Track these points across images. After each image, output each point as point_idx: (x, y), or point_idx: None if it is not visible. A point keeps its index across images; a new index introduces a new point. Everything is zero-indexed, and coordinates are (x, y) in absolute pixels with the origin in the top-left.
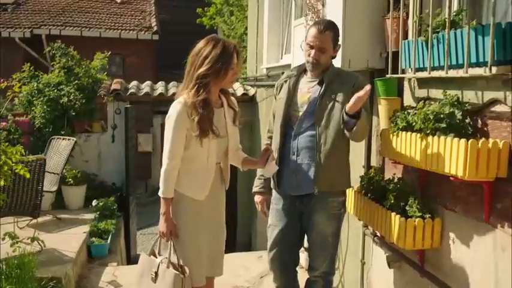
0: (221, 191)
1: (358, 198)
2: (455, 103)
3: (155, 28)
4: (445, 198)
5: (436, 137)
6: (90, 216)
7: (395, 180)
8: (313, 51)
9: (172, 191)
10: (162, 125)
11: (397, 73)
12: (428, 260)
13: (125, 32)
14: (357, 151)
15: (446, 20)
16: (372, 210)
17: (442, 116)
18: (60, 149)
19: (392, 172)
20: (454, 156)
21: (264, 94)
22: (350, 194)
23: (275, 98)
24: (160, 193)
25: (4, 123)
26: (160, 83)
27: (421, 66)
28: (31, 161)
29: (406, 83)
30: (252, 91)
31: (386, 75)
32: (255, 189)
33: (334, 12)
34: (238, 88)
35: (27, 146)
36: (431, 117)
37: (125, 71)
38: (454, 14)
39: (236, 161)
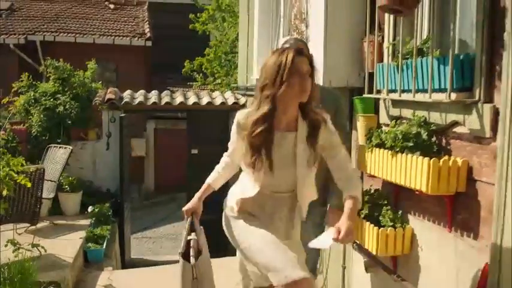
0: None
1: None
2: (422, 124)
3: (148, 34)
4: (415, 209)
5: (404, 155)
6: (86, 222)
7: (372, 191)
8: None
9: (211, 178)
10: (156, 130)
11: (373, 93)
12: (400, 264)
13: (119, 39)
14: None
15: (414, 48)
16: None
17: (410, 135)
18: (56, 157)
19: (370, 183)
20: (418, 173)
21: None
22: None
23: None
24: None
25: (2, 132)
26: (153, 92)
27: (394, 88)
28: (32, 171)
29: (381, 102)
30: (242, 100)
31: (364, 95)
32: None
33: (316, 33)
34: (229, 97)
35: (24, 153)
36: (400, 136)
37: (118, 76)
38: (422, 42)
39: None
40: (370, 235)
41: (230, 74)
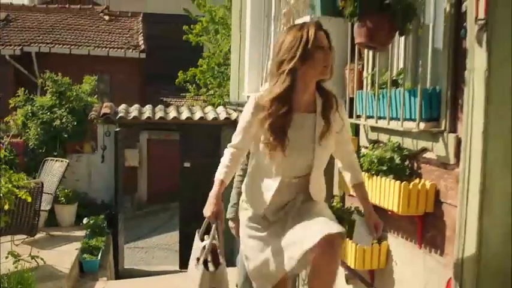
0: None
1: None
2: (396, 149)
3: (142, 47)
4: (390, 226)
5: (379, 177)
6: (81, 233)
7: (352, 209)
8: None
9: (221, 174)
10: (149, 140)
11: (353, 117)
12: (377, 277)
13: (113, 50)
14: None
15: (389, 79)
16: None
17: (384, 160)
18: (53, 170)
19: (350, 202)
20: (391, 195)
21: None
22: None
23: None
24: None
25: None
26: (147, 106)
27: (371, 114)
28: (32, 186)
29: (361, 127)
30: (234, 115)
31: None
32: (229, 215)
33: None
34: (221, 112)
35: (22, 166)
36: (376, 160)
37: (112, 87)
38: (397, 74)
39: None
40: (350, 250)
41: (223, 85)
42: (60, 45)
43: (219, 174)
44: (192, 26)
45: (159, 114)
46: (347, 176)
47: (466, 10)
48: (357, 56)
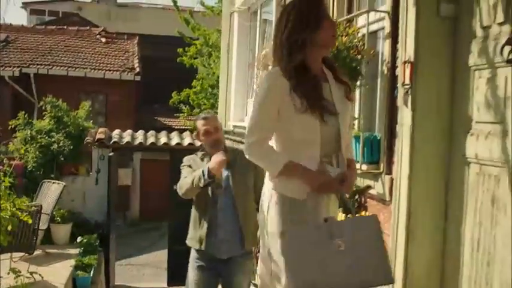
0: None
1: None
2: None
3: (138, 69)
4: None
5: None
6: (75, 251)
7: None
8: (213, 135)
9: (280, 163)
10: (142, 160)
11: None
12: None
13: (109, 73)
14: None
15: None
16: None
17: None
18: (50, 191)
19: None
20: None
21: (231, 145)
22: None
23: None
24: (272, 175)
25: (0, 167)
26: (140, 131)
27: None
28: (32, 209)
29: None
30: None
31: None
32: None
33: None
34: None
35: (21, 187)
36: None
37: (107, 107)
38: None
39: None
40: None
41: (215, 107)
42: (58, 67)
43: (285, 158)
44: (186, 48)
45: (150, 139)
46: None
47: (398, 74)
48: None
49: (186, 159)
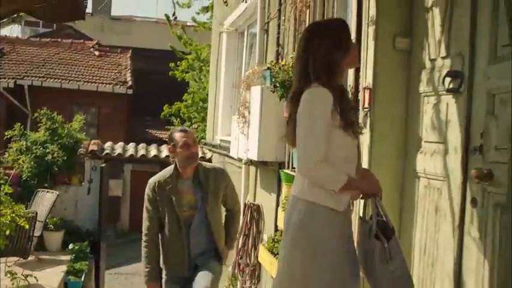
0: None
1: (266, 253)
2: None
3: (130, 83)
4: None
5: None
6: (66, 257)
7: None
8: (192, 148)
9: (343, 176)
10: (132, 172)
11: (290, 169)
12: None
13: (102, 86)
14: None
15: None
16: (272, 262)
17: None
18: (44, 200)
19: None
20: None
21: (218, 158)
22: (262, 249)
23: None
24: (334, 189)
25: None
26: (131, 144)
27: None
28: (29, 216)
29: None
30: (209, 154)
31: (286, 169)
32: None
33: (254, 120)
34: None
35: (16, 196)
36: None
37: (99, 119)
38: None
39: None
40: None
41: (206, 120)
42: (52, 79)
43: (342, 175)
44: (178, 62)
45: (141, 152)
46: None
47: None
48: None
49: (151, 186)
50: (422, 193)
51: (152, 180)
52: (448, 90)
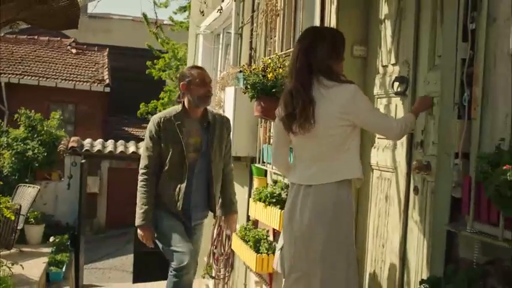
0: None
1: (239, 241)
2: (283, 187)
3: (107, 81)
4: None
5: (270, 206)
6: (47, 250)
7: (259, 230)
8: (208, 86)
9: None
10: (109, 169)
11: (260, 163)
12: (274, 279)
13: (79, 84)
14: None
15: None
16: (244, 249)
17: (274, 195)
18: (26, 194)
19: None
20: (276, 218)
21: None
22: (235, 237)
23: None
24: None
25: None
26: (110, 141)
27: None
28: (15, 208)
29: (268, 170)
30: None
31: (257, 164)
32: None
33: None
34: None
35: None
36: (269, 195)
37: (76, 117)
38: None
39: None
40: (253, 258)
41: None
42: (29, 77)
43: (410, 116)
44: (155, 60)
45: (120, 148)
46: None
47: None
48: (264, 120)
49: (156, 121)
50: (375, 183)
51: (157, 116)
52: (396, 93)
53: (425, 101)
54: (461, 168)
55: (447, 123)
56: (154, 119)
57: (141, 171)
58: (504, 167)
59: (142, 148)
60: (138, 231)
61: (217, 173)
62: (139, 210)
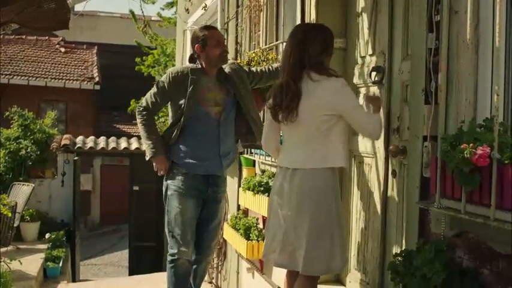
0: None
1: (230, 230)
2: (271, 176)
3: (97, 79)
4: None
5: (258, 195)
6: (43, 246)
7: (249, 218)
8: (223, 45)
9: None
10: (102, 166)
11: (249, 154)
12: (265, 265)
13: (69, 82)
14: (230, 196)
15: None
16: (235, 237)
17: (262, 183)
18: (20, 192)
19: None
20: (264, 206)
21: None
22: (226, 226)
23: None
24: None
25: None
26: (102, 138)
27: (262, 153)
28: (12, 205)
29: (256, 161)
30: None
31: (246, 155)
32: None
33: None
34: None
35: None
36: (257, 184)
37: (67, 115)
38: None
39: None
40: (244, 245)
41: None
42: (19, 77)
43: (377, 115)
44: (144, 57)
45: (112, 145)
46: None
47: None
48: None
49: (174, 73)
50: (357, 168)
51: (174, 69)
52: (374, 82)
53: (377, 100)
54: (430, 150)
55: (417, 109)
56: (171, 71)
57: (139, 109)
58: (462, 146)
59: (148, 94)
60: (153, 163)
61: (250, 113)
62: (147, 143)
